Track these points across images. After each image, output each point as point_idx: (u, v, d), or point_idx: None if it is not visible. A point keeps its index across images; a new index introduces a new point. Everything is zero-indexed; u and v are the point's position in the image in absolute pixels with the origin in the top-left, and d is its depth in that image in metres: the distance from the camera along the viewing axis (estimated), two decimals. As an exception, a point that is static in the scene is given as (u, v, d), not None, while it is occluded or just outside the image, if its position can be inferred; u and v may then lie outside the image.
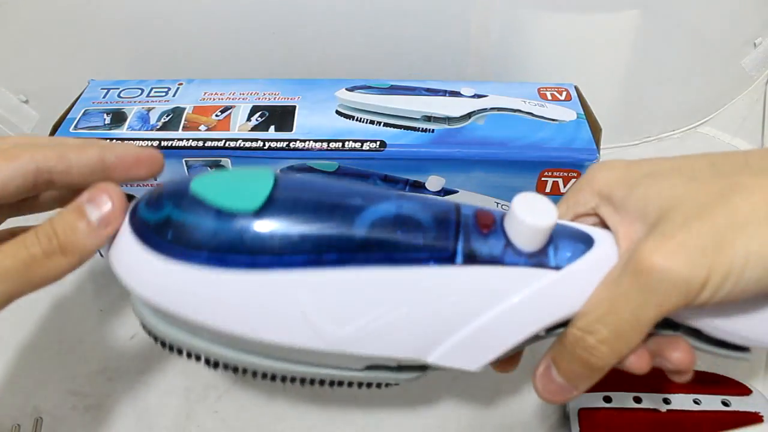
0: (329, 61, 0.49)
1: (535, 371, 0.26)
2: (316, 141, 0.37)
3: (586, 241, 0.24)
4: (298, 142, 0.37)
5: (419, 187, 0.39)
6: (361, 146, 0.37)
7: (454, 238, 0.23)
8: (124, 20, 0.47)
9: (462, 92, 0.41)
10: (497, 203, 0.40)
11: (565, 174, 0.38)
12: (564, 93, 0.42)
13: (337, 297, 0.22)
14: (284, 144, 0.37)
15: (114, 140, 0.37)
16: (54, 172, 0.24)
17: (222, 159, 0.37)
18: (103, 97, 0.40)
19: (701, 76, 0.53)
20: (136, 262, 0.23)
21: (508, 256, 0.23)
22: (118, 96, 0.41)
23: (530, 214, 0.22)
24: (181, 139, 0.37)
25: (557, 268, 0.23)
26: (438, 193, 0.39)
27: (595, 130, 0.38)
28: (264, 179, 0.23)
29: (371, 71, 0.49)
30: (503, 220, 0.24)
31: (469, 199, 0.39)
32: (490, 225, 0.24)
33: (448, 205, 0.24)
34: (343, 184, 0.25)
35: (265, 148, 0.37)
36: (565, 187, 0.38)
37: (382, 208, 0.23)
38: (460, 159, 0.37)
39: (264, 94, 0.41)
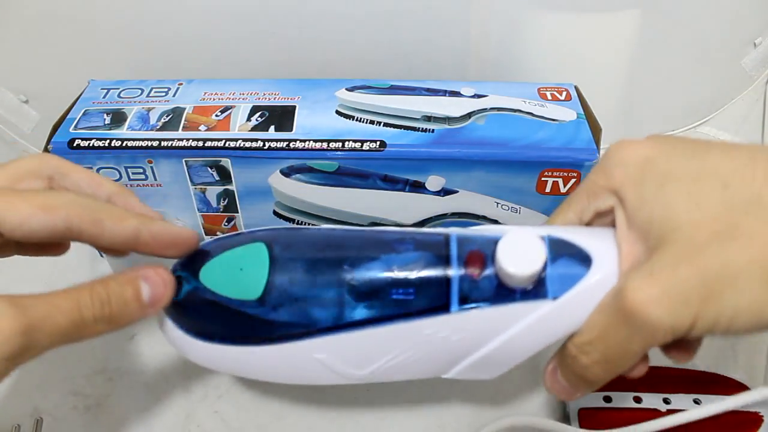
0: (329, 61, 0.49)
1: (546, 366, 0.26)
2: (316, 141, 0.37)
3: (584, 261, 0.24)
4: (298, 142, 0.37)
5: (419, 187, 0.39)
6: (361, 146, 0.37)
7: (446, 289, 0.24)
8: (124, 20, 0.47)
9: (462, 92, 0.41)
10: (497, 203, 0.40)
11: (565, 174, 0.38)
12: (564, 93, 0.42)
13: (349, 353, 0.25)
14: (284, 144, 0.37)
15: (114, 140, 0.37)
16: (84, 234, 0.24)
17: (222, 159, 0.37)
18: (103, 97, 0.40)
19: (701, 76, 0.53)
20: (170, 335, 0.26)
21: (501, 296, 0.24)
22: (118, 96, 0.41)
23: (515, 264, 0.23)
24: (181, 139, 0.37)
25: (554, 297, 0.23)
26: (438, 193, 0.39)
27: (595, 130, 0.38)
28: (260, 261, 0.25)
29: (371, 71, 0.49)
30: (495, 257, 0.24)
31: (469, 199, 0.39)
32: (481, 268, 0.24)
33: (439, 248, 0.25)
34: (333, 240, 0.26)
35: (265, 148, 0.37)
36: (565, 186, 0.38)
37: (375, 273, 0.24)
38: (460, 159, 0.37)
39: (264, 94, 0.41)
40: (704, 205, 0.21)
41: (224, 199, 0.40)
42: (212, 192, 0.39)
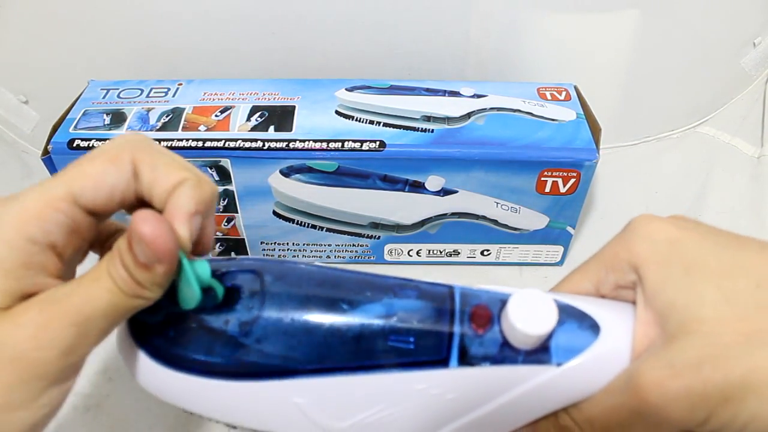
0: (329, 61, 0.49)
1: None
2: (315, 141, 0.37)
3: (593, 330, 0.23)
4: (297, 142, 0.37)
5: (419, 186, 0.39)
6: (361, 146, 0.37)
7: (447, 343, 0.22)
8: (124, 20, 0.47)
9: (461, 92, 0.41)
10: (497, 203, 0.40)
11: (565, 174, 0.38)
12: (563, 93, 0.42)
13: (333, 400, 0.23)
14: (284, 144, 0.37)
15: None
16: (140, 179, 0.21)
17: (222, 159, 0.37)
18: (103, 98, 0.40)
19: (701, 76, 0.53)
20: (140, 367, 0.22)
21: (504, 355, 0.22)
22: (118, 96, 0.41)
23: (526, 321, 0.21)
24: (181, 140, 0.37)
25: (558, 364, 0.22)
26: (437, 192, 0.39)
27: (595, 129, 0.38)
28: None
29: (371, 71, 0.49)
30: (501, 315, 0.23)
31: (468, 198, 0.39)
32: (486, 324, 0.23)
33: (443, 300, 0.23)
34: (331, 278, 0.24)
35: (264, 148, 0.37)
36: (564, 186, 0.38)
37: (372, 315, 0.23)
38: (460, 159, 0.37)
39: (264, 94, 0.41)
40: (734, 302, 0.20)
41: (224, 200, 0.40)
42: (212, 192, 0.39)
